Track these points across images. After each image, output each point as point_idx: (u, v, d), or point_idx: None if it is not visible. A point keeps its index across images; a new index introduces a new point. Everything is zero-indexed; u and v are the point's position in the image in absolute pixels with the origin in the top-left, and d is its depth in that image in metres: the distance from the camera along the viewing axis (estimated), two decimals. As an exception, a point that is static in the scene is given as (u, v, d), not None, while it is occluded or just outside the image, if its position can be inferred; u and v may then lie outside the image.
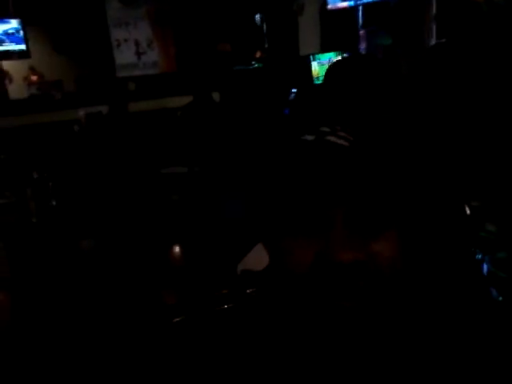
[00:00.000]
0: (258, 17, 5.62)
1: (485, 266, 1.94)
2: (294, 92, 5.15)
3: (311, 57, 4.85)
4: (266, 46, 5.66)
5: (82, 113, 4.36)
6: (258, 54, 5.68)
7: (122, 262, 1.98)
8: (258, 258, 1.43)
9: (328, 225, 0.45)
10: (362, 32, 4.29)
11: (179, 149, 4.22)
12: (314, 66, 4.92)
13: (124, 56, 4.80)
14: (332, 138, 0.46)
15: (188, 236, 2.19)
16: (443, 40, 3.86)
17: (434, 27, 3.89)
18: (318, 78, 4.87)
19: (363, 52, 4.58)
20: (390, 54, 4.07)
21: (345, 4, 3.98)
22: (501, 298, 1.88)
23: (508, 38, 3.13)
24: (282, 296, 0.53)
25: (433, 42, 3.91)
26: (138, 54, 4.84)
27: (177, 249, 1.96)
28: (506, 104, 1.98)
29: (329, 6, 4.06)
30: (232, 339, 0.58)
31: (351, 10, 4.04)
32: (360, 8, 4.07)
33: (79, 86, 4.77)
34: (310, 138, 0.47)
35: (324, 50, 4.70)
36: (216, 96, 5.17)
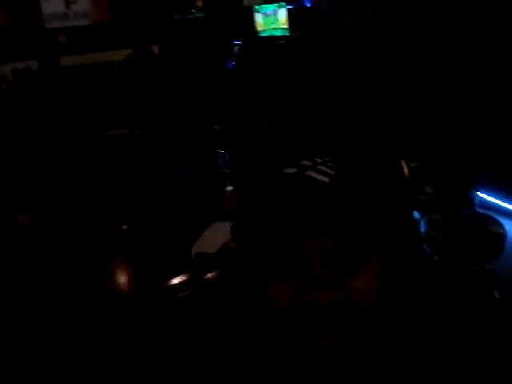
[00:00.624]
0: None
1: (422, 227, 2.05)
2: (237, 44, 5.00)
3: (255, 8, 4.70)
4: (207, -7, 5.40)
5: (7, 69, 4.03)
6: (199, 3, 5.42)
7: (62, 241, 1.90)
8: (211, 240, 1.44)
9: (305, 263, 0.45)
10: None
11: (119, 108, 4.03)
12: (258, 17, 4.78)
13: (51, 5, 4.41)
14: (313, 174, 0.46)
15: (135, 209, 2.13)
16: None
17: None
18: (263, 30, 4.74)
19: (308, 5, 4.48)
20: (335, 8, 4.01)
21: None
22: (436, 258, 2.00)
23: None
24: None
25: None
26: (67, 2, 4.47)
27: (124, 226, 1.91)
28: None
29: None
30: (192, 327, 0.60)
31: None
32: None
33: (2, 38, 4.36)
34: (291, 171, 0.47)
35: (267, 1, 4.56)
36: (155, 50, 4.93)
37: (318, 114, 0.51)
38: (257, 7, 4.73)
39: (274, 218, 0.46)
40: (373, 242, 0.47)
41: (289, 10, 4.38)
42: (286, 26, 4.44)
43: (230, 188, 2.10)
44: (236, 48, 4.99)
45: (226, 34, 5.02)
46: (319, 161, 0.47)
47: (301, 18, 4.22)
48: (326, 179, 0.46)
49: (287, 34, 4.45)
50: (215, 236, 1.37)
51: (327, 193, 0.45)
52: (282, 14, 4.50)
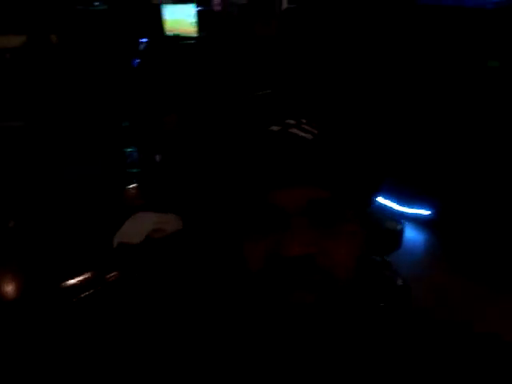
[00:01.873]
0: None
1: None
2: (144, 42, 4.87)
3: (163, 6, 4.63)
4: (111, -14, 5.20)
5: None
6: (102, -5, 5.19)
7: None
8: (134, 230, 1.38)
9: (283, 219, 0.45)
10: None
11: (11, 98, 3.69)
12: (166, 16, 4.71)
13: None
14: (296, 131, 0.46)
15: (24, 204, 1.96)
16: (293, 5, 4.04)
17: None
18: (171, 29, 4.67)
19: (217, 8, 4.53)
20: (245, 12, 4.10)
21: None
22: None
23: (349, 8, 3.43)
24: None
25: (284, 5, 4.06)
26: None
27: (11, 223, 1.73)
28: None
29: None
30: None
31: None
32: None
33: None
34: (275, 128, 0.47)
35: (176, 0, 4.52)
36: (54, 39, 4.62)
37: (245, 103, 0.53)
38: (165, 6, 4.66)
39: (255, 171, 0.47)
40: (351, 202, 0.48)
41: (198, 11, 4.38)
42: (194, 27, 4.44)
43: (134, 185, 2.04)
44: (142, 46, 4.87)
45: (132, 30, 4.87)
46: (304, 120, 0.48)
47: (210, 20, 4.25)
48: (309, 137, 0.46)
49: (195, 35, 4.44)
50: (139, 226, 1.33)
51: (309, 148, 0.46)
52: (191, 15, 4.49)
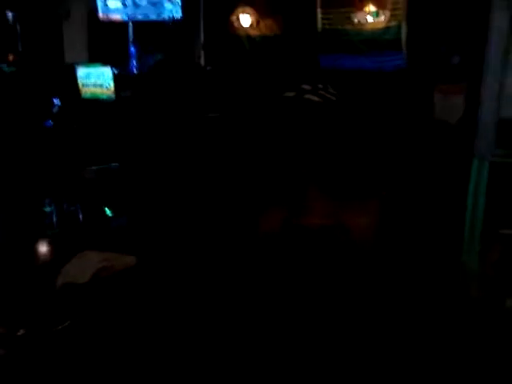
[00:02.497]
0: (10, 14, 5.00)
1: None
2: (56, 103, 4.76)
3: (78, 66, 4.59)
4: (20, 48, 5.08)
5: None
6: (11, 57, 5.04)
7: None
8: (79, 270, 1.27)
9: (300, 189, 0.44)
10: (132, 49, 4.31)
11: None
12: (81, 76, 4.66)
13: None
14: (311, 97, 0.45)
15: None
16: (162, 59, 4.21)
17: (203, 52, 4.23)
18: (86, 91, 4.62)
19: (134, 68, 4.59)
20: (159, 70, 4.20)
21: (117, 16, 3.94)
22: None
23: (266, 69, 3.67)
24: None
25: (201, 63, 4.23)
26: None
27: None
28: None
29: (100, 15, 3.94)
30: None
31: (123, 24, 4.02)
32: (130, 24, 4.09)
33: None
34: (290, 94, 0.46)
35: (92, 60, 4.51)
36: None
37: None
38: (80, 66, 4.63)
39: (271, 140, 0.44)
40: (373, 177, 0.46)
41: (116, 73, 4.40)
42: (110, 88, 4.44)
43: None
44: (56, 107, 4.75)
45: (43, 92, 4.74)
46: (320, 85, 0.46)
47: (128, 81, 4.29)
48: (325, 103, 0.45)
49: (112, 96, 4.43)
50: (84, 265, 1.23)
51: (325, 115, 0.44)
52: (108, 77, 4.49)
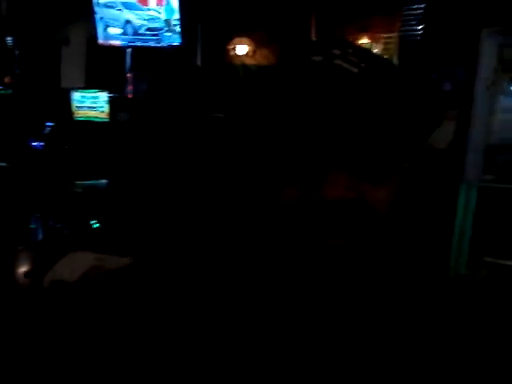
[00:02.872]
0: (10, 39, 5.09)
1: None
2: (49, 125, 4.79)
3: (73, 91, 4.64)
4: (18, 71, 5.15)
5: None
6: (7, 80, 5.10)
7: None
8: (69, 268, 1.24)
9: (322, 159, 0.41)
10: (129, 74, 4.38)
11: None
12: (76, 100, 4.70)
13: None
14: (341, 63, 0.42)
15: None
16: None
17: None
18: (80, 115, 4.66)
19: (130, 94, 4.65)
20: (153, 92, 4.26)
21: (117, 42, 4.02)
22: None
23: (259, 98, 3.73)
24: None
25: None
26: None
27: None
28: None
29: (100, 41, 4.02)
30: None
31: (121, 50, 4.10)
32: (129, 50, 4.17)
33: None
34: (317, 58, 0.42)
35: (89, 86, 4.57)
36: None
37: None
38: (75, 91, 4.68)
39: (293, 106, 0.41)
40: (396, 152, 0.44)
41: (111, 97, 4.45)
42: (105, 111, 4.48)
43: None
44: (47, 129, 4.78)
45: (37, 113, 4.78)
46: (350, 50, 0.43)
47: (124, 105, 4.34)
48: (355, 69, 0.41)
49: (106, 119, 4.48)
50: (74, 264, 1.20)
51: (355, 83, 0.41)
52: (103, 100, 4.54)
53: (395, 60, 3.36)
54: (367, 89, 0.41)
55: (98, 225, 2.65)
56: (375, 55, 0.45)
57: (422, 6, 3.02)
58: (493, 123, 2.54)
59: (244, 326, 0.46)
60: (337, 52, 0.42)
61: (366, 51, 0.44)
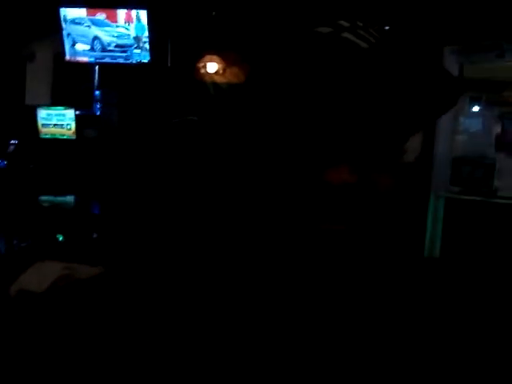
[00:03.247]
0: (-29, 55, 4.97)
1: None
2: (13, 143, 4.66)
3: (39, 108, 4.55)
4: (-20, 89, 5.01)
5: None
6: (-32, 97, 4.96)
7: None
8: (37, 278, 1.17)
9: (326, 142, 0.39)
10: (97, 91, 4.34)
11: None
12: (42, 118, 4.60)
13: None
14: (350, 36, 0.39)
15: None
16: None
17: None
18: (46, 132, 4.56)
19: (98, 111, 4.60)
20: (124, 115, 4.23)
21: (85, 59, 3.98)
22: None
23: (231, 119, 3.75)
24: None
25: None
26: None
27: None
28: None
29: (67, 58, 3.97)
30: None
31: (88, 67, 4.05)
32: (96, 67, 4.13)
33: None
34: (325, 30, 0.39)
35: (55, 103, 4.49)
36: None
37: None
38: (41, 108, 4.59)
39: (298, 82, 0.38)
40: (401, 135, 0.43)
41: (78, 115, 4.38)
42: (71, 129, 4.40)
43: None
44: (11, 147, 4.64)
45: (0, 132, 4.65)
46: (360, 23, 0.41)
47: (92, 122, 4.28)
48: (364, 44, 0.39)
49: (73, 136, 4.40)
50: (42, 273, 1.15)
51: (364, 57, 0.38)
52: (70, 118, 4.47)
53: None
54: (376, 67, 0.38)
55: (62, 238, 2.57)
56: (388, 30, 0.42)
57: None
58: (457, 136, 2.63)
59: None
60: (345, 24, 0.40)
61: (377, 25, 0.42)
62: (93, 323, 0.50)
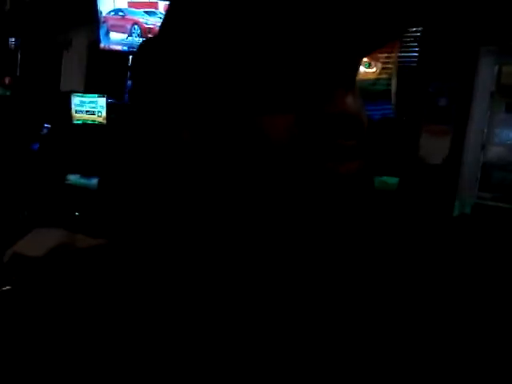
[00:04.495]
0: (12, 40, 5.13)
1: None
2: (46, 127, 4.78)
3: (73, 95, 4.65)
4: (18, 73, 5.17)
5: None
6: (7, 81, 5.12)
7: None
8: (35, 243, 1.17)
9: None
10: (130, 81, 4.39)
11: None
12: (75, 104, 4.71)
13: None
14: None
15: None
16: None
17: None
18: (78, 118, 4.66)
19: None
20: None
21: (118, 47, 4.03)
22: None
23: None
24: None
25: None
26: None
27: None
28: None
29: (101, 46, 4.03)
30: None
31: (122, 55, 4.10)
32: (130, 57, 4.18)
33: None
34: None
35: (88, 90, 4.58)
36: None
37: None
38: (74, 95, 4.69)
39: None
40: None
41: (110, 103, 4.45)
42: (102, 115, 4.48)
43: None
44: (44, 131, 4.77)
45: (35, 115, 4.78)
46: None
47: (123, 110, 4.33)
48: None
49: (103, 122, 4.48)
50: (40, 239, 1.15)
51: None
52: (101, 106, 4.55)
53: (394, 80, 3.36)
54: None
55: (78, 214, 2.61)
56: None
57: (420, 29, 3.03)
58: (489, 141, 2.52)
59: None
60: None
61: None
62: (90, 297, 0.45)
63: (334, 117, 0.35)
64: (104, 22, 3.95)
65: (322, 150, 0.36)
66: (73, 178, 3.60)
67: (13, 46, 5.06)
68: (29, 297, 0.47)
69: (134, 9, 3.84)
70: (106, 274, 0.44)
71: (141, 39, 3.86)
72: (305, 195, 0.37)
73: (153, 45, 0.42)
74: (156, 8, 3.79)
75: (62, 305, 0.43)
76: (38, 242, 1.14)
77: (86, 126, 4.47)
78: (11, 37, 5.08)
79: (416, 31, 3.10)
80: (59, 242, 1.16)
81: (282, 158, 0.36)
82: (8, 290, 1.03)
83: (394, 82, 3.37)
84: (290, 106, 0.35)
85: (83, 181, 3.58)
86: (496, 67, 2.49)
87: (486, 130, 2.51)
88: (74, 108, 4.67)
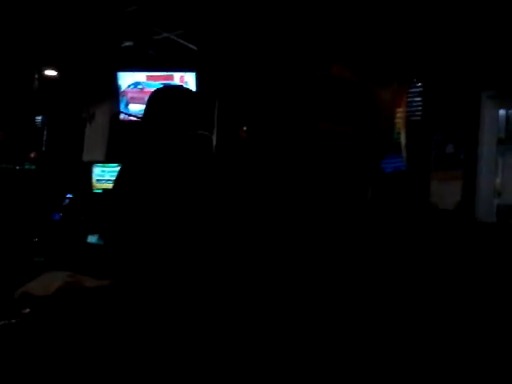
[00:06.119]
0: (39, 118, 5.46)
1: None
2: (68, 197, 4.95)
3: (94, 165, 4.85)
4: (44, 148, 5.45)
5: None
6: (33, 155, 5.39)
7: None
8: (44, 283, 1.20)
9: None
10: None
11: None
12: (96, 174, 4.89)
13: None
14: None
15: None
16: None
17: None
18: (99, 188, 4.82)
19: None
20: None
21: (137, 118, 4.25)
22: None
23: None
24: None
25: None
26: None
27: None
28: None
29: (121, 117, 4.27)
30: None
31: (141, 126, 4.31)
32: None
33: None
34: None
35: (109, 160, 4.77)
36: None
37: None
38: (96, 165, 4.88)
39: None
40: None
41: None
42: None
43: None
44: (66, 201, 4.93)
45: (58, 186, 4.97)
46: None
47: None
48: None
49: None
50: (49, 280, 1.17)
51: None
52: (121, 174, 4.69)
53: (402, 134, 3.43)
54: None
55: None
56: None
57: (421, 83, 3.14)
58: (500, 185, 2.51)
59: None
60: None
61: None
62: (95, 330, 0.49)
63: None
64: (124, 95, 4.21)
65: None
66: (92, 239, 3.68)
67: (39, 123, 5.38)
68: (37, 329, 0.51)
69: (152, 81, 4.10)
70: (108, 310, 0.48)
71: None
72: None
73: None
74: (172, 80, 4.04)
75: (68, 335, 0.47)
76: (46, 283, 1.17)
77: (106, 192, 4.59)
78: (38, 115, 5.42)
79: (418, 86, 3.21)
80: (66, 281, 1.19)
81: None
82: (17, 322, 1.05)
83: (403, 136, 3.43)
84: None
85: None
86: (499, 110, 2.53)
87: (499, 176, 2.52)
88: (94, 178, 4.85)
